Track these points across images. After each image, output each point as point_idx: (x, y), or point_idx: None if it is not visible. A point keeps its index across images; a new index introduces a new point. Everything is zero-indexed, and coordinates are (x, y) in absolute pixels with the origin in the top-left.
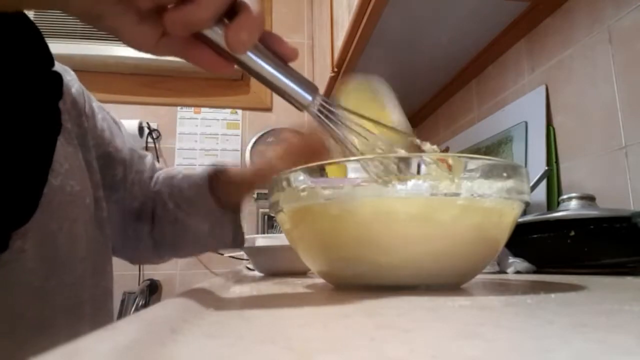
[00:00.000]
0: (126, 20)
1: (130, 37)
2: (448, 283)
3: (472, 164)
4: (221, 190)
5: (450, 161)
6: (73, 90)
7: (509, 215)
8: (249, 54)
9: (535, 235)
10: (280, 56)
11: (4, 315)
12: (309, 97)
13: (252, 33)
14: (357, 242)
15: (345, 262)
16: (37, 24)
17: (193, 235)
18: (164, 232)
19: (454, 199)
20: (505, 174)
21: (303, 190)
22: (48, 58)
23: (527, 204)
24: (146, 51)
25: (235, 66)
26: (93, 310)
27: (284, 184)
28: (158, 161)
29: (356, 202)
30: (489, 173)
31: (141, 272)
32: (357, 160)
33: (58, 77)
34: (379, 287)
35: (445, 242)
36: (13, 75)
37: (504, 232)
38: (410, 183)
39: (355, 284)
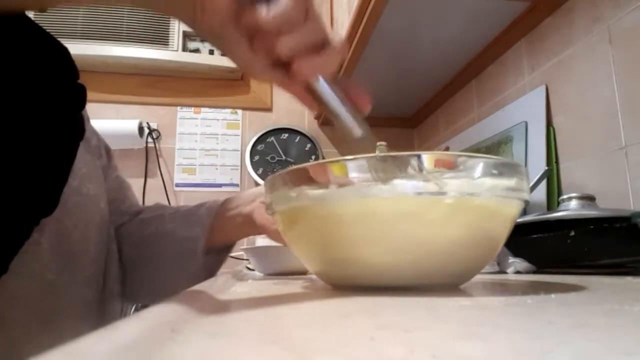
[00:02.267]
0: (242, 47)
1: (240, 61)
2: (445, 283)
3: (469, 163)
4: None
5: (450, 159)
6: None
7: (507, 214)
8: (324, 91)
9: (535, 235)
10: (355, 103)
11: (17, 304)
12: (359, 134)
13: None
14: (345, 243)
15: (337, 262)
16: (38, 24)
17: (165, 246)
18: (132, 250)
19: (444, 197)
20: (502, 172)
21: (293, 191)
22: (74, 71)
23: (526, 203)
24: (251, 74)
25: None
26: (100, 311)
27: (276, 184)
28: (158, 161)
29: (343, 203)
30: (486, 171)
31: None
32: (357, 159)
33: (82, 88)
34: (374, 288)
35: (438, 242)
36: (44, 84)
37: (502, 232)
38: (398, 182)
39: (350, 284)
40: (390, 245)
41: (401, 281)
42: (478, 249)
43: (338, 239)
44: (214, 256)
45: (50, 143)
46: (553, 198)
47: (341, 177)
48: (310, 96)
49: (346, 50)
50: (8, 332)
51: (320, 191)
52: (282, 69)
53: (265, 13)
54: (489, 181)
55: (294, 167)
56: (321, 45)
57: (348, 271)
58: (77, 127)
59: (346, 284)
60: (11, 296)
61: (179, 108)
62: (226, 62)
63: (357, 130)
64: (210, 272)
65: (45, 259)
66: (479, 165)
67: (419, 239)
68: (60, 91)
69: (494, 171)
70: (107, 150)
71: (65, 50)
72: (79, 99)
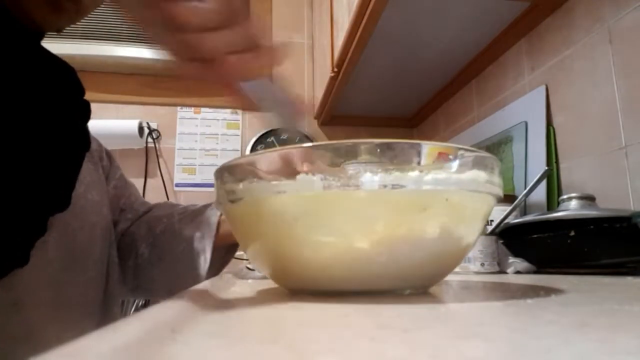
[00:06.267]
0: (163, 34)
1: (162, 48)
2: (406, 287)
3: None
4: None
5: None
6: None
7: (474, 210)
8: (254, 94)
9: (535, 235)
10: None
11: (32, 291)
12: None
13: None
14: (296, 241)
15: (289, 263)
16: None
17: (183, 246)
18: (156, 241)
19: (399, 190)
20: (472, 165)
21: (239, 184)
22: (80, 89)
23: (498, 198)
24: (172, 66)
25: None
26: (100, 312)
27: (223, 177)
28: (158, 161)
29: (292, 197)
30: (461, 164)
31: None
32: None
33: (87, 104)
34: (330, 293)
35: (390, 239)
36: (54, 101)
37: (468, 229)
38: (301, 178)
39: (306, 288)
40: (340, 243)
41: (355, 285)
42: (440, 247)
43: (288, 237)
44: (221, 255)
45: (61, 150)
46: (553, 198)
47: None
48: (239, 97)
49: (279, 58)
50: (28, 315)
51: (241, 187)
52: (207, 67)
53: (183, 7)
54: (459, 174)
55: (243, 156)
56: (253, 49)
57: (302, 273)
58: (84, 137)
59: (303, 289)
60: (26, 283)
61: (179, 108)
62: None
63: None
64: (217, 270)
65: (50, 255)
66: (455, 159)
67: (370, 237)
68: (70, 107)
69: (462, 163)
70: (107, 153)
71: (72, 70)
72: (85, 113)
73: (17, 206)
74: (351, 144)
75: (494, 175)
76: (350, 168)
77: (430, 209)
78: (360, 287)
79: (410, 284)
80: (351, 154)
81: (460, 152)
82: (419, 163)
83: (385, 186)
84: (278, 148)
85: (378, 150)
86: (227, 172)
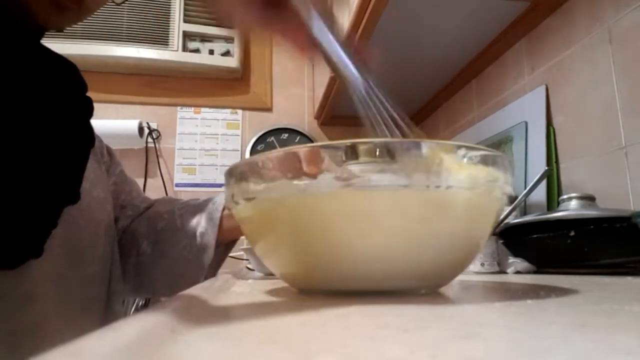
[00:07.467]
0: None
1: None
2: (418, 286)
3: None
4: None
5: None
6: None
7: (488, 209)
8: (320, 30)
9: (535, 235)
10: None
11: (40, 285)
12: (360, 87)
13: None
14: (313, 241)
15: (303, 262)
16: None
17: (184, 238)
18: (157, 237)
19: (418, 190)
20: (482, 163)
21: (255, 183)
22: (82, 85)
23: (510, 197)
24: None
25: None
26: (103, 310)
27: (237, 175)
28: (158, 161)
29: (313, 198)
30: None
31: None
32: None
33: (89, 100)
34: (345, 292)
35: (407, 238)
36: (58, 97)
37: (484, 229)
38: (324, 176)
39: (318, 288)
40: (359, 243)
41: (372, 285)
42: (457, 247)
43: (305, 236)
44: (221, 252)
45: (66, 145)
46: (553, 198)
47: (314, 167)
48: (306, 44)
49: None
50: (35, 309)
51: (264, 185)
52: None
53: None
54: (469, 173)
55: (258, 155)
56: None
57: (315, 273)
58: (88, 132)
59: (314, 288)
60: (36, 277)
61: (179, 108)
62: (226, 62)
63: (355, 80)
64: (215, 268)
65: (55, 252)
66: (461, 156)
67: (390, 236)
68: (72, 103)
69: (473, 161)
70: (108, 149)
71: (74, 67)
72: (87, 109)
73: (28, 198)
74: (365, 143)
75: (509, 176)
76: (358, 168)
77: (452, 208)
78: (377, 287)
79: (426, 283)
80: (364, 153)
81: (481, 152)
82: (421, 161)
83: (408, 186)
84: (292, 147)
85: (394, 150)
86: (243, 171)
